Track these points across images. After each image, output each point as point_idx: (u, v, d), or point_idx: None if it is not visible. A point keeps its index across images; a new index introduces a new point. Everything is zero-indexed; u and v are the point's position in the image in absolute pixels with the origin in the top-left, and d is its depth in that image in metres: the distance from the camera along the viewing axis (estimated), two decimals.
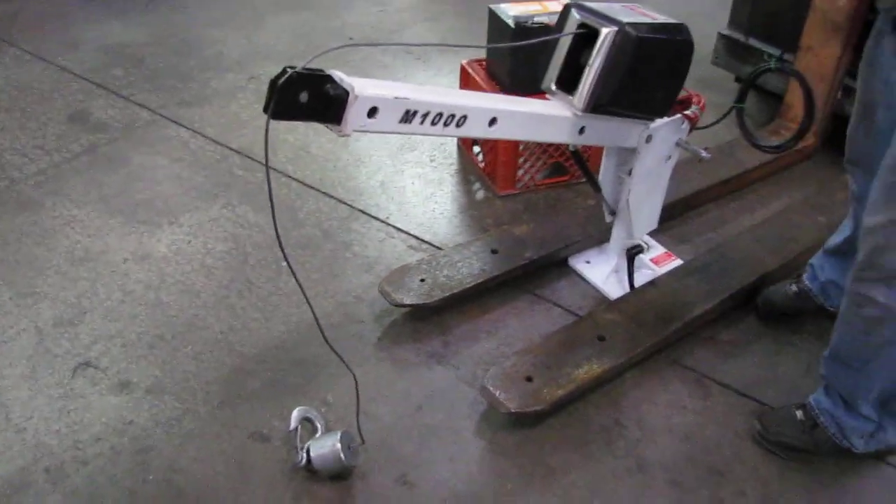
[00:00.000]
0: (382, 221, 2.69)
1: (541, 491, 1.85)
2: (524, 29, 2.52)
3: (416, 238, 2.62)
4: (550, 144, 2.76)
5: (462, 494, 1.83)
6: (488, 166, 2.88)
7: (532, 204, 2.80)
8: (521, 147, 2.75)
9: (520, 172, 2.81)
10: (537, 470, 1.90)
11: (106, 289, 2.38)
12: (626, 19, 1.79)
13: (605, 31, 1.79)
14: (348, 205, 2.77)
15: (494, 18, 2.71)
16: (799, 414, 1.96)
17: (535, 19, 2.52)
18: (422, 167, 2.99)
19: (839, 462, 1.93)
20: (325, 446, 1.81)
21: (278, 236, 1.53)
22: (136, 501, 1.78)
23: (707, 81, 3.39)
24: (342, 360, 1.76)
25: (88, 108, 3.33)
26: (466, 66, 2.94)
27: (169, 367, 2.13)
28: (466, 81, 2.94)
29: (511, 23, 2.58)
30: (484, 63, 2.92)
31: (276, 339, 2.22)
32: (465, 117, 1.62)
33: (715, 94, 3.12)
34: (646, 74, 1.86)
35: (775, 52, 3.12)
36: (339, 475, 1.84)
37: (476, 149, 2.97)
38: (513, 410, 1.92)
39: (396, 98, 1.48)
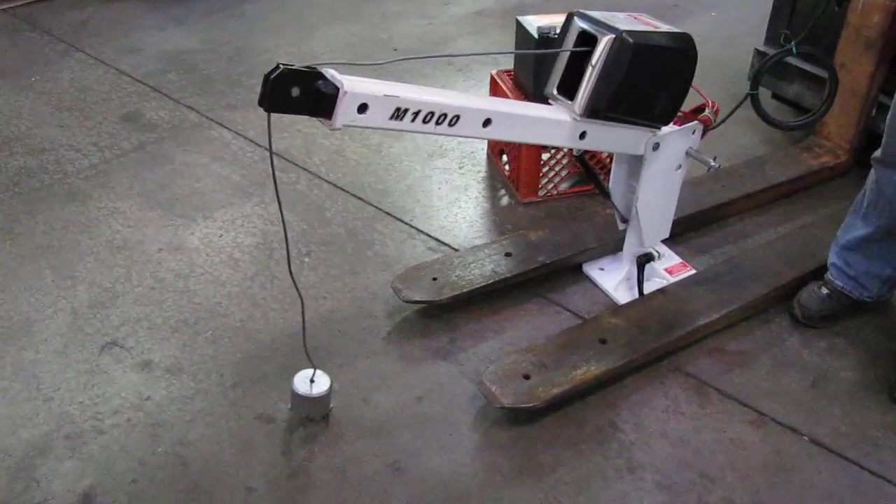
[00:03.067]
0: (405, 223, 2.79)
1: (528, 485, 1.90)
2: (547, 39, 2.59)
3: (436, 240, 2.71)
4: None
5: (450, 483, 1.89)
6: (512, 174, 2.95)
7: (554, 211, 2.86)
8: (544, 156, 2.82)
9: (543, 181, 2.87)
10: (527, 465, 1.95)
11: (139, 276, 2.53)
12: (624, 27, 1.85)
13: (604, 39, 1.85)
14: (375, 206, 2.88)
15: (521, 29, 2.79)
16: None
17: (558, 30, 2.58)
18: (450, 173, 3.08)
19: (835, 475, 1.93)
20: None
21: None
22: (145, 470, 1.90)
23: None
24: (295, 285, 1.82)
25: (141, 110, 3.52)
26: (495, 76, 3.03)
27: (188, 350, 2.25)
28: (495, 90, 3.02)
29: (535, 33, 2.65)
30: (512, 73, 3.00)
31: (292, 329, 2.32)
32: (457, 117, 1.70)
33: (750, 110, 3.12)
34: (644, 82, 1.91)
35: (817, 71, 3.11)
36: (322, 406, 1.99)
37: (504, 157, 3.04)
38: (506, 405, 1.98)
39: (386, 95, 1.57)
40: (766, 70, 2.41)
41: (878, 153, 2.19)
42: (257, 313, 2.39)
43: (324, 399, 1.95)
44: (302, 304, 1.85)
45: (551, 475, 1.92)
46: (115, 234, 2.72)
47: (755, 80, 2.40)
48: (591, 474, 1.93)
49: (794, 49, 2.27)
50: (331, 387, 1.95)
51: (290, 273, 1.77)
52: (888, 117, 2.13)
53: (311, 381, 1.92)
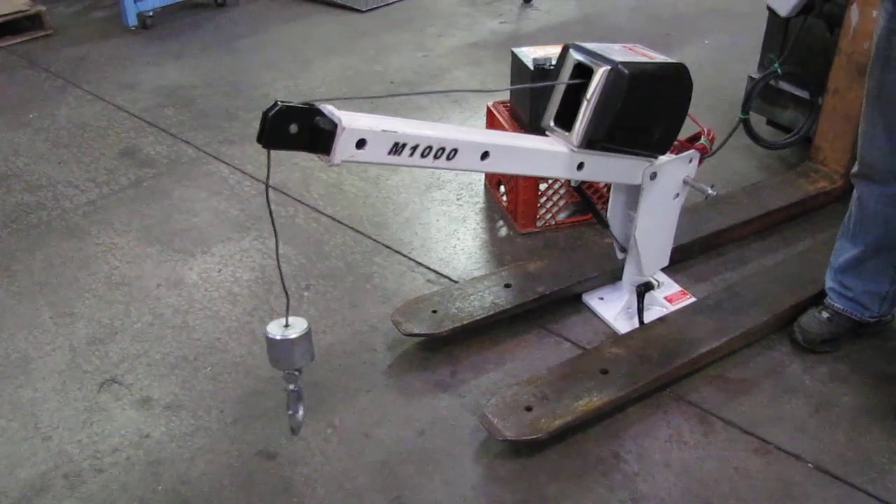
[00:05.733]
0: (405, 256, 2.79)
1: None
2: (542, 71, 2.61)
3: (435, 272, 2.70)
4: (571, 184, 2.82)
5: None
6: (510, 204, 2.95)
7: (552, 241, 2.86)
8: (542, 186, 2.83)
9: (541, 211, 2.88)
10: (531, 498, 1.93)
11: (138, 311, 2.52)
12: (619, 58, 1.86)
13: (600, 70, 1.86)
14: (373, 239, 2.88)
15: (516, 61, 2.82)
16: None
17: (553, 62, 2.60)
18: (448, 205, 3.08)
19: (841, 502, 1.92)
20: None
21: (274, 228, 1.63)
22: None
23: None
24: (271, 215, 1.64)
25: (139, 145, 3.54)
26: (492, 108, 3.05)
27: (188, 386, 2.24)
28: (492, 122, 3.04)
29: (530, 65, 2.67)
30: (508, 104, 3.02)
31: None
32: (455, 151, 1.70)
33: (746, 136, 3.14)
34: (640, 112, 1.92)
35: (804, 94, 3.15)
36: (301, 352, 1.72)
37: (502, 188, 3.05)
38: (509, 438, 1.96)
39: (384, 131, 1.57)
40: (756, 93, 2.45)
41: (855, 168, 2.23)
42: (257, 348, 2.38)
43: (302, 343, 1.71)
44: (276, 237, 1.69)
45: None
46: (113, 269, 2.72)
47: (745, 104, 2.45)
48: None
49: (778, 69, 2.31)
50: (308, 330, 1.71)
51: (268, 203, 1.63)
52: (859, 130, 2.17)
53: (286, 325, 1.71)
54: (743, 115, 2.40)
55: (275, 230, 1.62)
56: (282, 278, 1.70)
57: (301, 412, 1.80)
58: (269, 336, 1.69)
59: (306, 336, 1.70)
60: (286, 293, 1.68)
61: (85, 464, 2.00)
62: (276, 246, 1.72)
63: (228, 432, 2.10)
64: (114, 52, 4.58)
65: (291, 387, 1.75)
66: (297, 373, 1.74)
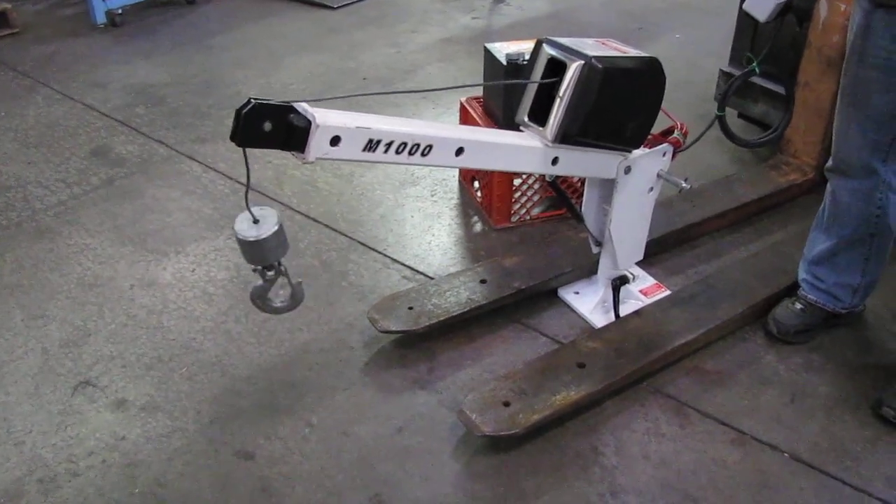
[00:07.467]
0: (380, 253, 2.78)
1: None
2: (515, 66, 2.61)
3: (411, 269, 2.70)
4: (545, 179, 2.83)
5: None
6: (485, 200, 2.96)
7: (527, 236, 2.87)
8: (516, 181, 2.83)
9: (515, 206, 2.88)
10: (510, 493, 1.93)
11: (111, 313, 2.49)
12: (593, 53, 1.87)
13: (573, 65, 1.86)
14: (348, 236, 2.87)
15: (489, 56, 2.81)
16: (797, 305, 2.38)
17: (526, 57, 2.60)
18: (422, 201, 3.08)
19: (817, 491, 1.94)
20: None
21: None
22: None
23: (709, 118, 3.42)
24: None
25: (110, 144, 3.49)
26: (465, 104, 3.04)
27: (164, 387, 2.22)
28: (466, 118, 3.04)
29: (503, 60, 2.67)
30: (481, 100, 3.02)
31: (268, 363, 2.30)
32: (430, 147, 1.70)
33: (718, 130, 3.16)
34: (614, 106, 1.93)
35: (778, 89, 3.17)
36: (273, 246, 1.68)
37: (476, 184, 3.05)
38: (487, 433, 1.97)
39: (358, 128, 1.57)
40: (733, 92, 2.46)
41: (829, 163, 2.25)
42: (232, 348, 2.36)
43: (273, 238, 1.64)
44: (246, 160, 1.61)
45: (534, 503, 1.91)
46: (85, 270, 2.69)
47: (722, 102, 2.46)
48: (575, 500, 1.92)
49: (756, 69, 2.32)
50: (279, 224, 1.65)
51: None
52: (834, 126, 2.19)
53: (255, 221, 1.64)
54: (719, 112, 2.41)
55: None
56: (247, 167, 1.63)
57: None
58: (240, 237, 1.62)
59: (279, 231, 1.64)
60: (247, 173, 1.62)
61: (60, 468, 1.98)
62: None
63: (205, 433, 2.08)
64: (82, 51, 4.52)
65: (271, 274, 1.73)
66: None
